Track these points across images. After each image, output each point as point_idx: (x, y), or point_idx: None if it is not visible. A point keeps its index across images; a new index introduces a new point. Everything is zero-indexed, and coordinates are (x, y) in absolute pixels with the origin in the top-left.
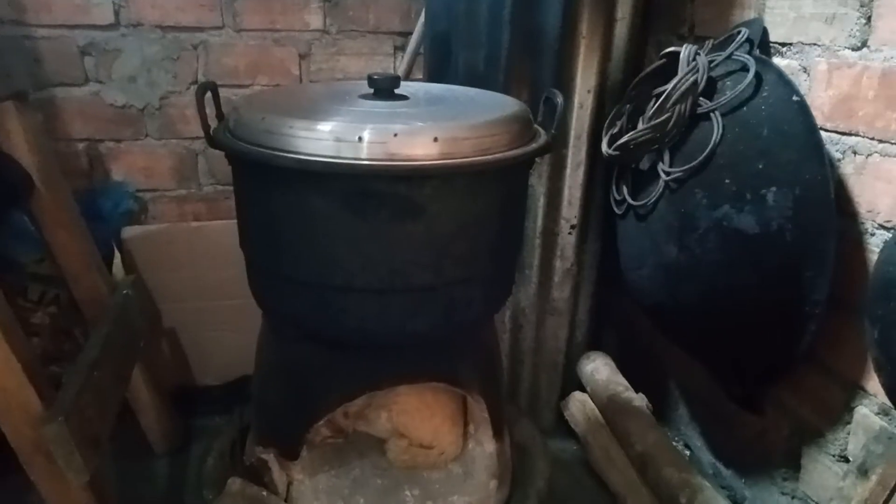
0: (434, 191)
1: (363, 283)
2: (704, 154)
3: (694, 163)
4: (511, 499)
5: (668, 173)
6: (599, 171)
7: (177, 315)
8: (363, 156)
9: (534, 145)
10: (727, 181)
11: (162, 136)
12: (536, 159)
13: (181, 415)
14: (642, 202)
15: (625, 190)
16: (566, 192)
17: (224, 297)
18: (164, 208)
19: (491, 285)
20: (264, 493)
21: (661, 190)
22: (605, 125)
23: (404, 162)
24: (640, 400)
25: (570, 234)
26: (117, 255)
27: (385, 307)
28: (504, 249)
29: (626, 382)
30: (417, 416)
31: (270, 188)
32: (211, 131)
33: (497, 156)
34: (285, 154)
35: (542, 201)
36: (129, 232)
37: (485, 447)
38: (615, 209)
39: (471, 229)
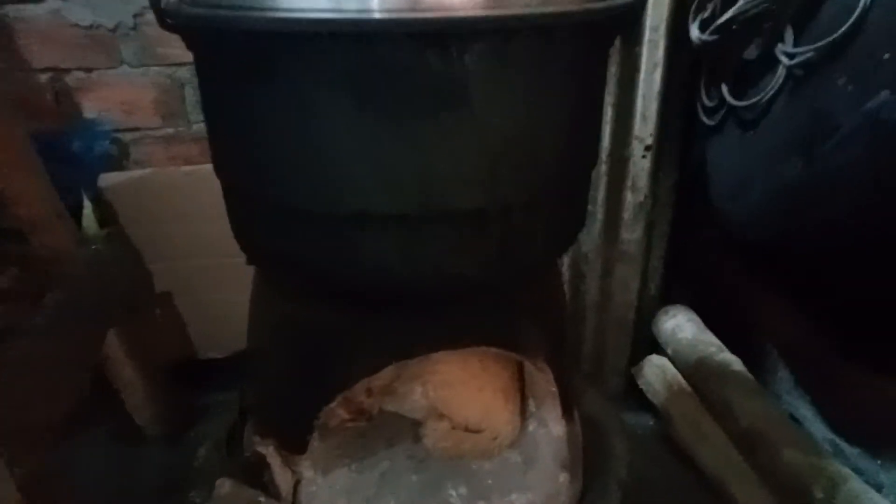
0: (481, 61)
1: (381, 208)
2: (851, 21)
3: (834, 36)
4: (587, 493)
5: (791, 56)
6: (680, 76)
7: (171, 276)
8: (374, 6)
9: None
10: (886, 56)
11: (141, 63)
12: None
13: (180, 393)
14: (752, 101)
15: (724, 89)
16: (639, 102)
17: (227, 253)
18: (149, 151)
19: (560, 212)
20: (262, 498)
21: (779, 82)
22: (693, 7)
23: (435, 13)
24: (738, 363)
25: (643, 158)
26: (87, 203)
27: (414, 242)
28: (578, 161)
29: (718, 342)
30: (461, 389)
31: (244, 73)
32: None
33: (572, 7)
34: (257, 13)
35: (608, 115)
36: (107, 179)
37: (551, 429)
38: (706, 120)
39: (535, 126)
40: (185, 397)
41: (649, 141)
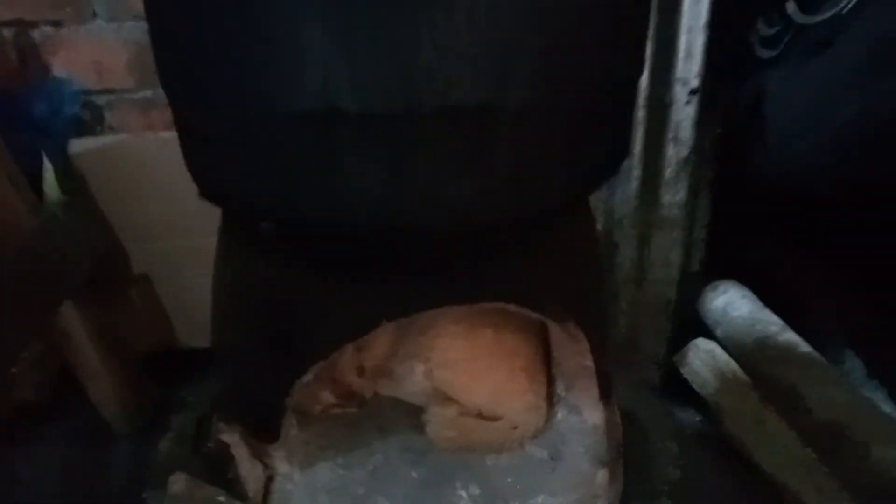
0: None
1: (357, 104)
2: None
3: None
4: (630, 500)
5: None
6: (729, 2)
7: (151, 257)
8: None
9: None
10: None
11: (114, 17)
12: None
13: (155, 385)
14: (827, 14)
15: (790, 6)
16: (683, 38)
17: (212, 232)
18: (125, 116)
19: (593, 126)
20: (222, 498)
21: None
22: None
23: None
24: (806, 345)
25: (688, 104)
26: (48, 167)
27: (401, 156)
28: (619, 59)
29: (779, 320)
30: (472, 368)
31: None
32: None
33: None
34: None
35: (647, 49)
36: (77, 146)
37: (584, 416)
38: (762, 53)
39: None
40: (161, 389)
41: (695, 83)
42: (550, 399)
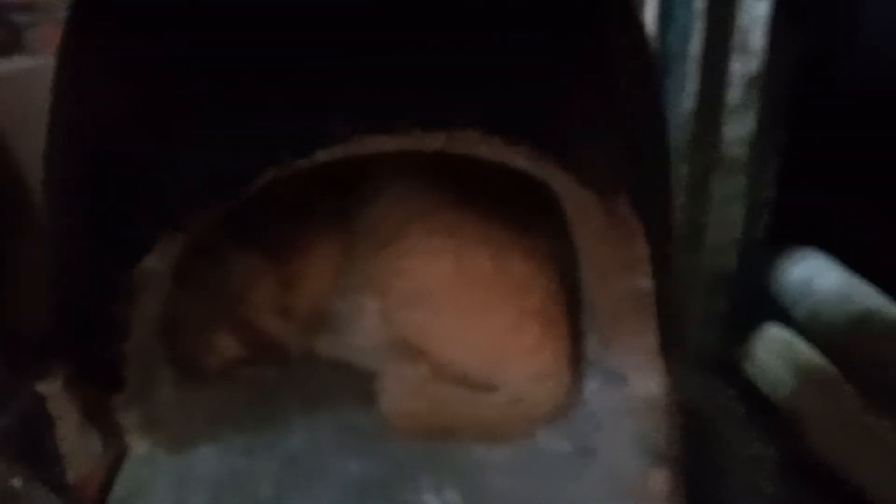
0: None
1: None
2: None
3: None
4: None
5: None
6: None
7: None
8: None
9: None
10: None
11: None
12: None
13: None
14: None
15: None
16: None
17: None
18: (46, 34)
19: None
20: (16, 482)
21: None
22: None
23: None
24: None
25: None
26: None
27: None
28: None
29: (882, 295)
30: (454, 306)
31: None
32: None
33: None
34: None
35: None
36: None
37: (632, 386)
38: None
39: None
40: None
41: None
42: (576, 361)
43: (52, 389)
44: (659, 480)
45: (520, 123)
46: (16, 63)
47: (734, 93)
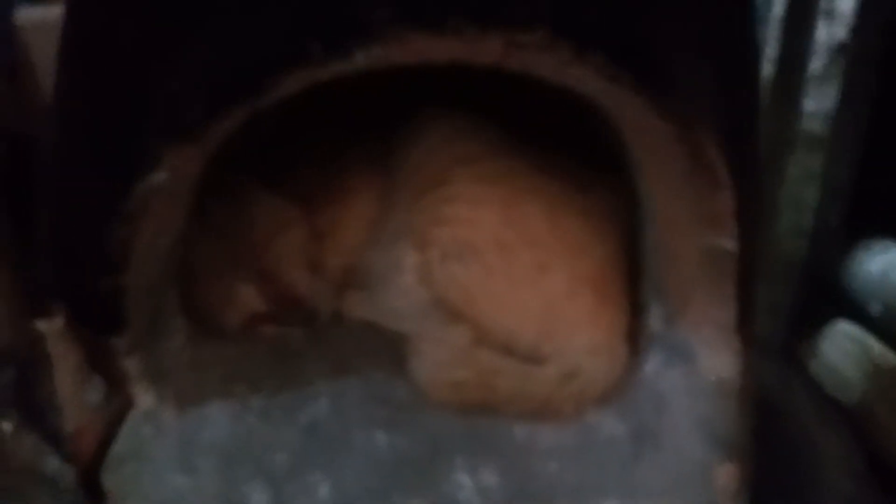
0: None
1: None
2: None
3: None
4: None
5: None
6: None
7: None
8: None
9: None
10: None
11: None
12: None
13: None
14: None
15: None
16: None
17: None
18: None
19: None
20: (7, 425)
21: None
22: None
23: None
24: None
25: None
26: None
27: None
28: None
29: None
30: (502, 265)
31: None
32: None
33: None
34: None
35: None
36: (26, 15)
37: (701, 365)
38: None
39: None
40: None
41: None
42: (634, 336)
43: (51, 328)
44: (725, 473)
45: (595, 28)
46: (50, 11)
47: (817, 61)
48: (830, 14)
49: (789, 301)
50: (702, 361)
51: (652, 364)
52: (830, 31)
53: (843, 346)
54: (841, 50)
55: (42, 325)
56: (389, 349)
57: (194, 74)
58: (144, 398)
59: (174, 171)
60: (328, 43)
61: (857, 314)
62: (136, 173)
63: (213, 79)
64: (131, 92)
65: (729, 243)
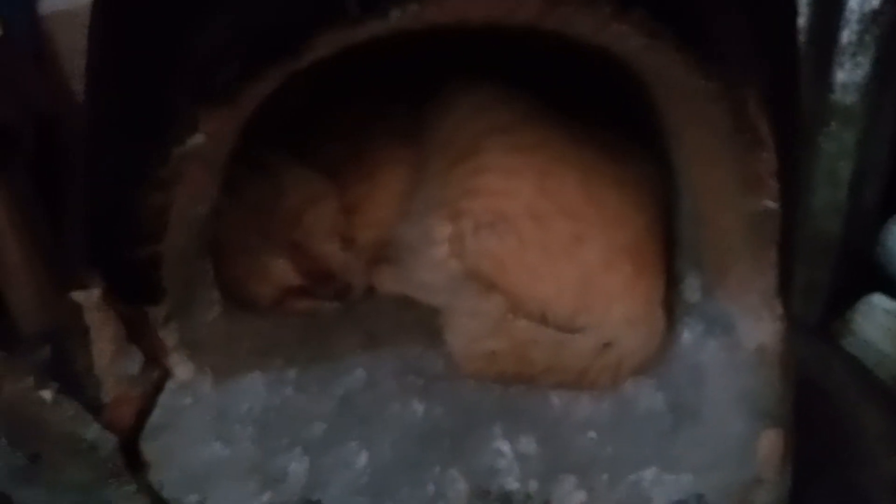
0: None
1: None
2: None
3: None
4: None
5: None
6: None
7: None
8: None
9: None
10: None
11: None
12: None
13: None
14: None
15: None
16: None
17: None
18: None
19: None
20: (46, 394)
21: None
22: None
23: None
24: None
25: None
26: None
27: None
28: None
29: None
30: (537, 235)
31: None
32: None
33: None
34: None
35: None
36: (50, 4)
37: (741, 334)
38: None
39: None
40: None
41: None
42: (672, 306)
43: (88, 299)
44: (768, 444)
45: None
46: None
47: (850, 30)
48: None
49: (824, 278)
50: (742, 331)
51: (689, 335)
52: None
53: (879, 321)
54: (874, 18)
55: (78, 297)
56: (423, 323)
57: (228, 34)
58: (181, 369)
59: (209, 136)
60: (365, 0)
61: (893, 289)
62: (171, 138)
63: (247, 38)
64: (164, 53)
65: (771, 205)
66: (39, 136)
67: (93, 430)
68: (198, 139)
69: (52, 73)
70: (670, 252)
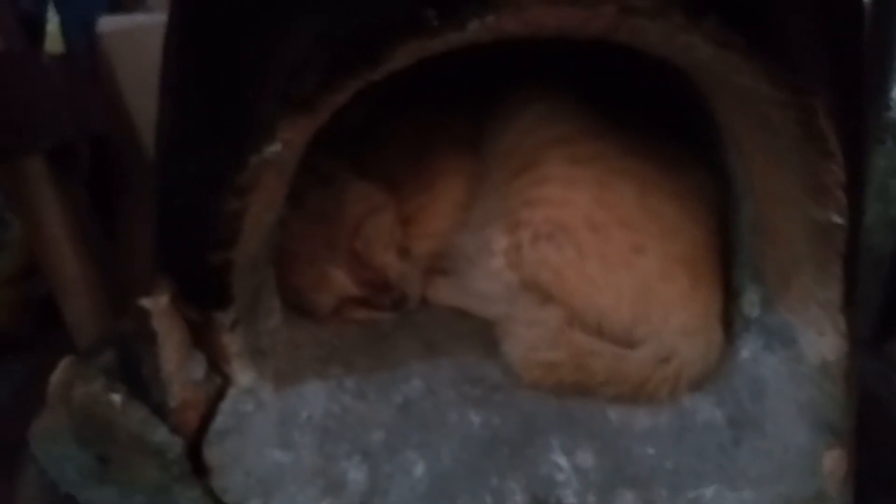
0: None
1: None
2: None
3: None
4: None
5: None
6: None
7: None
8: None
9: None
10: None
11: None
12: None
13: None
14: None
15: None
16: None
17: None
18: None
19: None
20: (116, 396)
21: None
22: None
23: None
24: None
25: None
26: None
27: None
28: None
29: None
30: (595, 246)
31: None
32: None
33: None
34: None
35: None
36: (109, 24)
37: (804, 348)
38: None
39: None
40: None
41: None
42: (729, 321)
43: (157, 305)
44: (833, 460)
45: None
46: (137, 20)
47: None
48: None
49: (875, 293)
50: (804, 344)
51: (749, 349)
52: None
53: None
54: None
55: (147, 303)
56: (479, 334)
57: (310, 43)
58: (244, 375)
59: (286, 143)
60: (444, 11)
61: None
62: (250, 145)
63: (329, 48)
64: (247, 61)
65: (837, 217)
66: (95, 153)
67: (161, 433)
68: (275, 147)
69: (108, 93)
70: (728, 265)
